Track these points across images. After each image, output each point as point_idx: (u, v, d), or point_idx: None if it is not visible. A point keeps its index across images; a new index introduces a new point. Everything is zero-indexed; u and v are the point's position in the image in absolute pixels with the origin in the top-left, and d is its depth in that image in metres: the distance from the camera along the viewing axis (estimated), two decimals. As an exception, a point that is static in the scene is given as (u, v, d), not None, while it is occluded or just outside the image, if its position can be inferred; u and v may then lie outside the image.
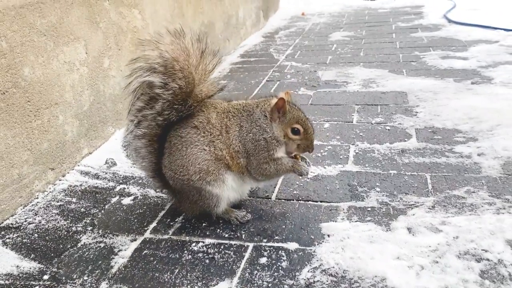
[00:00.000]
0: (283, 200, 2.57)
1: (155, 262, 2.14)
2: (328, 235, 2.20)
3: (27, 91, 2.69)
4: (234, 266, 2.06)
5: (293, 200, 2.56)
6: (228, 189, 2.32)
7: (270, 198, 2.61)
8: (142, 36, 3.90)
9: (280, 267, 2.02)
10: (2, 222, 2.55)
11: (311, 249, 2.12)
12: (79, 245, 2.32)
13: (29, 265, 2.20)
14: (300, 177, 2.62)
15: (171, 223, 2.45)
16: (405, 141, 3.16)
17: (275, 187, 2.70)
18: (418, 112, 3.64)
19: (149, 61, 2.27)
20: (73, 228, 2.47)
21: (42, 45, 2.81)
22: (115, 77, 3.58)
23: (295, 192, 2.64)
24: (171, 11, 4.57)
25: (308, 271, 1.97)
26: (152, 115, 2.31)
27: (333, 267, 1.98)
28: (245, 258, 2.10)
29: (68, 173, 3.06)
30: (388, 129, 3.38)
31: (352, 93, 4.24)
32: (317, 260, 2.04)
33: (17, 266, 2.19)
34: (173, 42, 2.29)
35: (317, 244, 2.15)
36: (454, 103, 3.71)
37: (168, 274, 2.05)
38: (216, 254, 2.16)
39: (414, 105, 3.81)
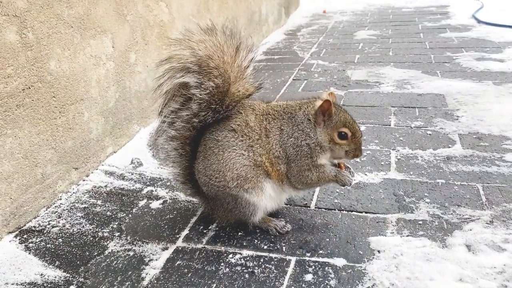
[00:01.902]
0: (324, 210, 2.39)
1: (189, 274, 1.97)
2: (379, 251, 2.01)
3: (52, 86, 2.54)
4: (277, 283, 1.88)
5: (334, 209, 2.37)
6: (266, 198, 2.14)
7: (309, 207, 2.42)
8: (169, 31, 3.74)
9: (328, 286, 1.84)
10: (25, 225, 2.41)
11: (360, 266, 1.93)
12: (106, 252, 2.17)
13: (54, 274, 2.04)
14: (342, 187, 2.43)
15: (205, 231, 2.28)
16: (449, 147, 2.96)
17: (313, 195, 2.52)
18: (459, 117, 3.42)
19: (182, 61, 2.10)
20: (99, 234, 2.32)
21: (69, 37, 2.66)
22: (141, 73, 3.42)
23: (336, 201, 2.45)
24: (197, 6, 4.40)
25: (361, 292, 1.79)
26: (188, 116, 2.14)
27: (388, 288, 1.79)
28: (288, 274, 1.93)
29: (92, 173, 2.91)
30: (430, 134, 3.17)
31: (386, 94, 4.04)
32: (369, 280, 1.85)
33: (41, 274, 2.04)
34: (205, 39, 2.13)
35: (367, 261, 1.96)
36: (497, 108, 3.49)
37: (205, 289, 1.88)
38: (256, 268, 1.98)
39: (454, 108, 3.59)
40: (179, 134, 2.20)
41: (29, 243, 2.26)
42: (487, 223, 2.15)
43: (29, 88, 2.37)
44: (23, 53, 2.32)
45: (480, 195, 2.39)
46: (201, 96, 2.10)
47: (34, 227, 2.39)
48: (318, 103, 2.11)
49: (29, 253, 2.18)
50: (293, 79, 4.78)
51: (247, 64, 2.23)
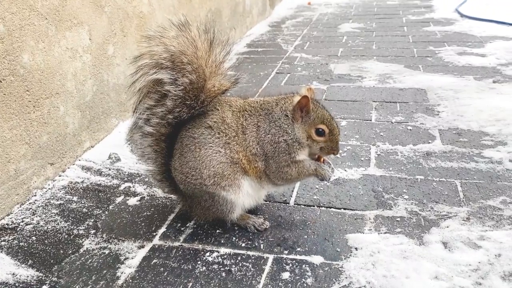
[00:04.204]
0: (303, 206, 2.37)
1: (165, 273, 1.94)
2: (356, 248, 2.01)
3: (26, 80, 2.47)
4: (253, 281, 1.87)
5: (313, 206, 2.37)
6: (244, 195, 2.11)
7: (288, 203, 2.41)
8: (149, 23, 3.67)
9: (305, 284, 1.83)
10: (-3, 222, 2.35)
11: (338, 264, 1.93)
12: (81, 250, 2.12)
13: (27, 273, 1.99)
14: (322, 182, 2.42)
15: (182, 229, 2.25)
16: (429, 143, 2.97)
17: (293, 191, 2.51)
18: (440, 112, 3.44)
19: (155, 57, 2.06)
20: (75, 231, 2.27)
21: (43, 29, 2.58)
22: (120, 66, 3.35)
23: (315, 197, 2.44)
24: (178, -3, 4.33)
25: (337, 290, 1.79)
26: (163, 112, 2.10)
27: (365, 286, 1.79)
28: (265, 272, 1.91)
29: (68, 168, 2.85)
30: (410, 129, 3.18)
31: (368, 89, 4.03)
32: (346, 278, 1.84)
33: (13, 274, 1.99)
34: (178, 35, 2.09)
35: (344, 259, 1.96)
36: (477, 103, 3.52)
37: (181, 288, 1.86)
38: (233, 266, 1.96)
39: (435, 103, 3.60)
40: (154, 130, 2.16)
41: (1, 241, 2.20)
42: (463, 220, 2.16)
43: (1, 81, 2.30)
44: (-6, 45, 2.24)
45: (458, 192, 2.41)
46: (175, 93, 2.06)
47: (7, 224, 2.34)
48: (296, 98, 2.09)
49: (1, 252, 2.12)
50: (276, 73, 4.75)
51: (222, 59, 2.20)
